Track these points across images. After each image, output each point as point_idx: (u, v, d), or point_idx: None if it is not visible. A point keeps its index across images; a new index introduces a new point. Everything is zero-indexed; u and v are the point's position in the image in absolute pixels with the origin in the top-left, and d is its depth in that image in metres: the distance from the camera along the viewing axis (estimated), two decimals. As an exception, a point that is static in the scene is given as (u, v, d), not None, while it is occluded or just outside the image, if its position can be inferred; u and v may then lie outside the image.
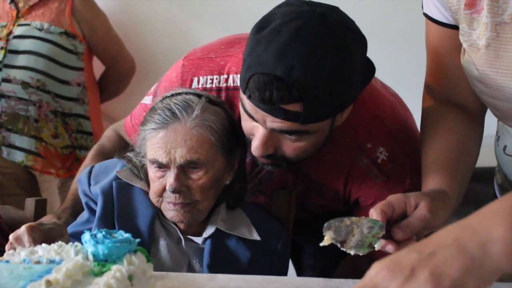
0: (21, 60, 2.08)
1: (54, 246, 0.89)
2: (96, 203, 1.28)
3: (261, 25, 1.11)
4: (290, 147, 1.17)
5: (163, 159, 1.20)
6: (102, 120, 2.33)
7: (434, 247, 0.71)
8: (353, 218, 0.95)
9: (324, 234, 0.95)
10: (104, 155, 1.49)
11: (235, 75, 1.31)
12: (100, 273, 0.80)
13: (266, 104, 1.09)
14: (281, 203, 1.42)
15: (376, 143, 1.30)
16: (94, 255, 0.84)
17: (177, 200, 1.22)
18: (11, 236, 1.12)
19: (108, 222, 1.26)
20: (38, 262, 0.84)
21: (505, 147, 1.22)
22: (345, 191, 1.36)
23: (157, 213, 1.28)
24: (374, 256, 1.00)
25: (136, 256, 0.86)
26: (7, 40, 2.09)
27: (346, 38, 1.10)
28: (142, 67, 2.42)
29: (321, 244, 0.95)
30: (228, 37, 1.41)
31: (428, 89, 1.26)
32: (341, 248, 0.94)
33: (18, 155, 2.08)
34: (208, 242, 1.27)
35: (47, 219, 1.33)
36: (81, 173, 1.37)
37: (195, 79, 1.34)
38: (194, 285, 1.01)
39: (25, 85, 2.06)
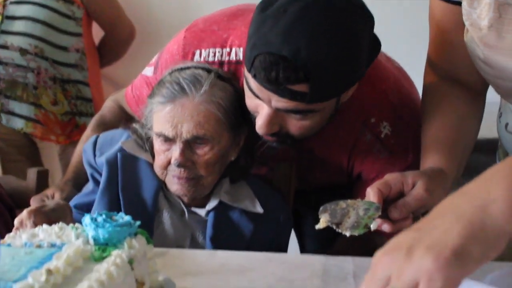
0: (18, 26, 2.05)
1: (55, 228, 0.89)
2: (101, 174, 1.29)
3: (267, 3, 1.10)
4: (295, 125, 1.17)
5: (169, 133, 1.20)
6: (102, 85, 2.32)
7: (431, 220, 0.67)
8: (349, 201, 0.96)
9: (320, 217, 0.96)
10: (104, 125, 1.49)
11: (237, 49, 1.30)
12: (100, 258, 0.80)
13: (272, 84, 1.08)
14: (282, 175, 1.43)
15: (380, 118, 1.29)
16: (94, 239, 0.85)
17: (182, 174, 1.22)
18: (16, 221, 1.13)
19: (112, 192, 1.27)
20: (39, 246, 0.85)
21: (507, 124, 1.21)
22: (348, 166, 1.36)
23: (161, 185, 1.28)
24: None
25: (137, 239, 0.87)
26: (4, 6, 2.06)
27: (353, 17, 1.08)
28: (142, 31, 2.39)
29: (316, 227, 0.96)
30: (230, 9, 1.38)
31: (431, 64, 1.25)
32: (337, 230, 0.95)
33: (17, 122, 2.08)
34: (211, 214, 1.28)
35: (50, 192, 1.34)
36: (86, 143, 1.37)
37: (197, 52, 1.32)
38: (195, 262, 1.03)
39: (23, 51, 2.04)
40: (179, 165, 1.21)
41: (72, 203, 1.28)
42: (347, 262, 1.01)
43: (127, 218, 0.88)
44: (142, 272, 0.84)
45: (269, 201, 1.32)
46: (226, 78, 1.27)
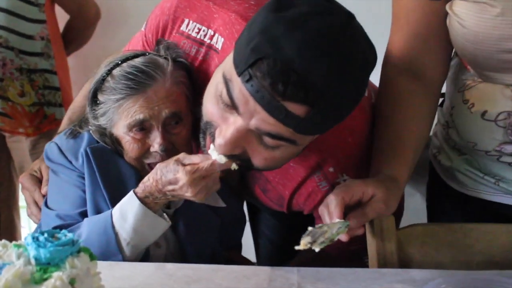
0: (-21, 16, 1.99)
1: (-2, 247, 0.89)
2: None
3: (281, 4, 0.98)
4: (261, 155, 1.04)
5: (146, 115, 1.19)
6: (70, 73, 2.28)
7: None
8: (330, 223, 1.02)
9: (301, 239, 0.99)
10: None
11: (219, 37, 1.24)
12: (41, 281, 0.81)
13: (274, 96, 0.94)
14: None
15: (339, 170, 1.20)
16: (36, 259, 0.85)
17: (163, 159, 1.21)
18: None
19: (97, 193, 1.25)
20: (-18, 266, 0.85)
21: (484, 112, 1.18)
22: (289, 202, 1.27)
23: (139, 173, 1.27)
24: None
25: (79, 257, 0.87)
26: (-37, -3, 2.00)
27: (366, 53, 1.00)
28: (106, 11, 2.35)
29: (296, 248, 0.99)
30: None
31: (391, 56, 1.23)
32: (312, 248, 0.99)
33: (-15, 117, 2.05)
34: (179, 213, 1.28)
35: (37, 167, 1.37)
36: (50, 154, 1.32)
37: (186, 21, 1.28)
38: (143, 274, 1.04)
39: (-14, 42, 1.99)
40: (164, 150, 1.20)
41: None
42: (292, 273, 1.03)
43: (70, 236, 0.88)
44: (84, 290, 0.85)
45: (225, 195, 1.33)
46: (178, 60, 1.26)
